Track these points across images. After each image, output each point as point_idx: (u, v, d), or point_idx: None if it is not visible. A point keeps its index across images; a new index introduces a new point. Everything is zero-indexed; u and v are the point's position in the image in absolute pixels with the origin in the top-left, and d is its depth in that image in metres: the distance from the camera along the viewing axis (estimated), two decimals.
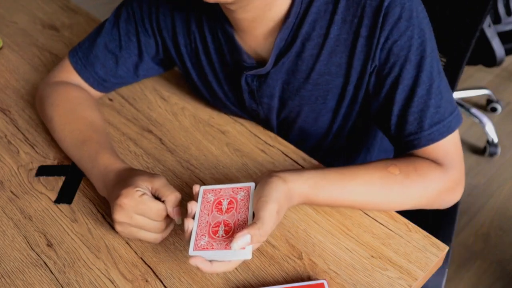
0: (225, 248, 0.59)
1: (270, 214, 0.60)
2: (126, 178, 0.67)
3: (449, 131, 0.70)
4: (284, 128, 0.88)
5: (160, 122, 0.90)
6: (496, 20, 1.64)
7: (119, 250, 0.70)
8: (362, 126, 0.87)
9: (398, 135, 0.73)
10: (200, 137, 0.87)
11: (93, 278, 0.66)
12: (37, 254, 0.70)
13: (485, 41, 1.59)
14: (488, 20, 1.57)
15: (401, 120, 0.71)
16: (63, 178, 0.80)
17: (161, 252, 0.69)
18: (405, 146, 0.73)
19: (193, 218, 0.63)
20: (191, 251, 0.59)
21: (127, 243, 0.70)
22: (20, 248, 0.71)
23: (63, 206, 0.76)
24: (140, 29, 0.84)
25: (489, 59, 1.64)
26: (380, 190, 0.69)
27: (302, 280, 0.65)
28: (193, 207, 0.64)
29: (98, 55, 0.86)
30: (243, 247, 0.57)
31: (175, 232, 0.71)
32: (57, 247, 0.70)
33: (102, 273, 0.67)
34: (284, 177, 0.65)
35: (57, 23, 1.19)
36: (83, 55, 0.87)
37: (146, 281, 0.66)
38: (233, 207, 0.63)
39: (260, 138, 0.86)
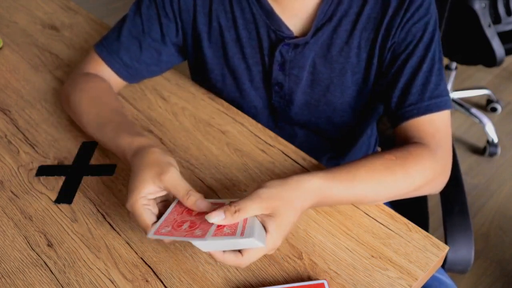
0: (185, 236, 0.58)
1: (252, 197, 0.60)
2: (136, 170, 0.66)
3: (445, 107, 0.78)
4: (308, 104, 0.90)
5: (160, 122, 0.90)
6: (496, 20, 1.64)
7: (119, 250, 0.70)
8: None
9: (399, 106, 0.80)
10: (200, 137, 0.87)
11: (93, 278, 0.66)
12: (37, 254, 0.70)
13: (485, 41, 1.59)
14: (488, 20, 1.57)
15: (405, 92, 0.79)
16: (63, 178, 0.80)
17: (161, 252, 0.69)
18: (403, 116, 0.79)
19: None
20: (150, 234, 0.60)
21: (127, 243, 0.71)
22: (20, 248, 0.71)
23: (63, 206, 0.76)
24: (161, 12, 0.87)
25: (489, 59, 1.64)
26: (383, 173, 0.71)
27: (302, 280, 0.65)
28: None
29: (122, 41, 0.89)
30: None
31: None
32: (57, 247, 0.70)
33: (102, 273, 0.67)
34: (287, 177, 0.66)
35: (57, 23, 1.19)
36: (108, 44, 0.90)
37: (146, 281, 0.66)
38: (204, 213, 0.62)
39: (260, 138, 0.86)
